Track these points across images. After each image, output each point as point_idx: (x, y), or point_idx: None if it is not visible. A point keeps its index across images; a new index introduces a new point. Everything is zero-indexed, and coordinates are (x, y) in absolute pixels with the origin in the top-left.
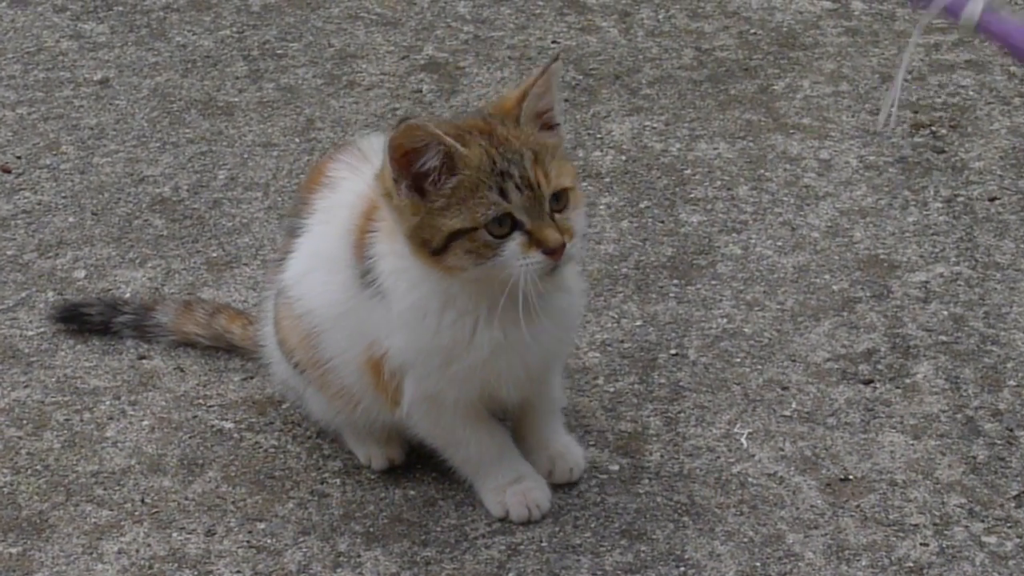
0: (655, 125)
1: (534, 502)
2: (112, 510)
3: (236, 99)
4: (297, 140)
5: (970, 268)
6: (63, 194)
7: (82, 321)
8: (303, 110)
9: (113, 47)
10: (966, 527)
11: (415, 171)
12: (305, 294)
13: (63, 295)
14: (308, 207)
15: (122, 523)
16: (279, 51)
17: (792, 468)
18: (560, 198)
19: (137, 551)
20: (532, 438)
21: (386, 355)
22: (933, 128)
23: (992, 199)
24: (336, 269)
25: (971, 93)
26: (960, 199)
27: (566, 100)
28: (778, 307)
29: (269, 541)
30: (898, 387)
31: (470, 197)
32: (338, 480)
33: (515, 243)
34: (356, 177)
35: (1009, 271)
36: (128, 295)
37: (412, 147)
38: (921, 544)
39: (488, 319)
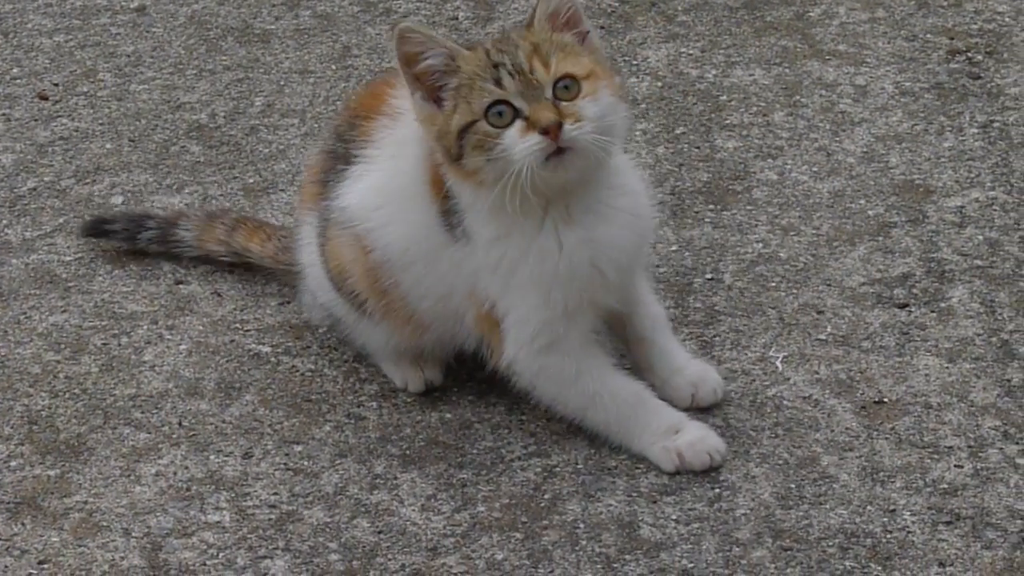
0: (691, 52)
1: (712, 443)
2: (150, 433)
3: (272, 26)
4: (333, 67)
5: (1006, 193)
6: (100, 121)
7: (107, 235)
8: (339, 37)
9: None
10: (1000, 449)
11: (417, 73)
12: (376, 228)
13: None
14: (365, 135)
15: (160, 446)
16: None
17: (827, 391)
18: (570, 88)
19: (175, 473)
20: (662, 364)
21: (492, 307)
22: (969, 54)
23: None
24: (411, 207)
25: (1007, 19)
26: (996, 125)
27: (602, 27)
28: (813, 232)
29: (306, 463)
30: (933, 311)
31: (470, 92)
32: (374, 403)
33: (514, 129)
34: None
35: None
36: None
37: (413, 52)
38: (955, 466)
39: (566, 225)
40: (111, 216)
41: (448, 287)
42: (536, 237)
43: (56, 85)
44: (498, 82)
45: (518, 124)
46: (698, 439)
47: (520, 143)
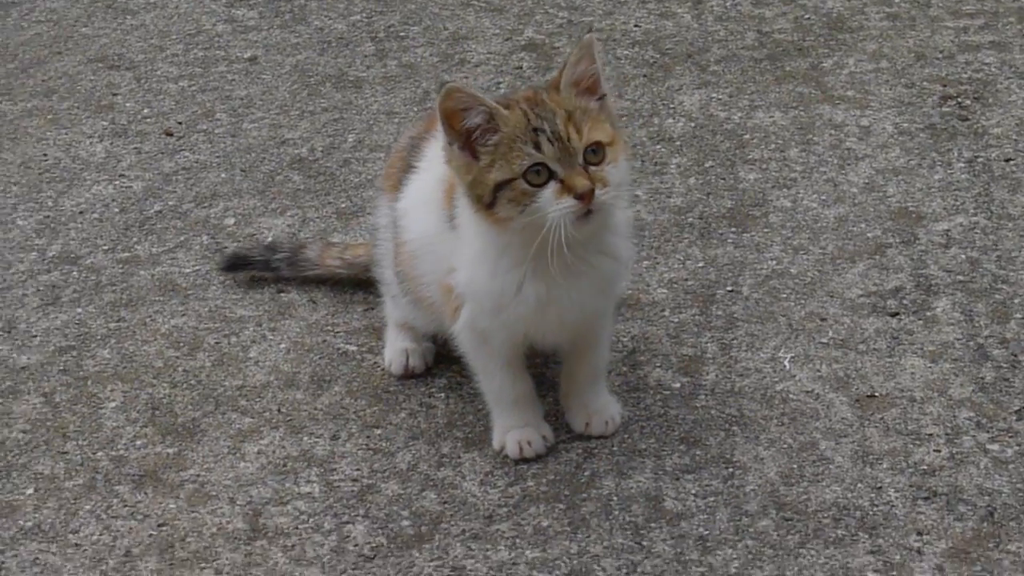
0: (720, 97)
1: (527, 440)
2: (253, 418)
3: (364, 74)
4: (415, 109)
5: (986, 219)
6: (216, 154)
7: (248, 266)
8: (421, 84)
9: (261, 30)
10: (973, 437)
11: (461, 130)
12: (408, 226)
13: (215, 239)
14: (420, 151)
15: (261, 429)
16: (401, 33)
17: (827, 387)
18: (597, 152)
19: (273, 452)
20: (574, 397)
21: (453, 280)
22: (959, 99)
23: (1007, 160)
24: (429, 210)
25: (993, 69)
26: (980, 160)
27: (644, 75)
28: (820, 251)
29: (384, 444)
30: (920, 319)
31: (509, 152)
32: (443, 395)
33: (549, 190)
34: None
35: (1020, 221)
36: (270, 239)
37: (456, 108)
38: (934, 451)
39: (534, 273)
40: (246, 250)
41: (441, 270)
42: (521, 279)
43: (180, 123)
44: (537, 146)
45: (553, 186)
46: (521, 435)
47: (556, 204)
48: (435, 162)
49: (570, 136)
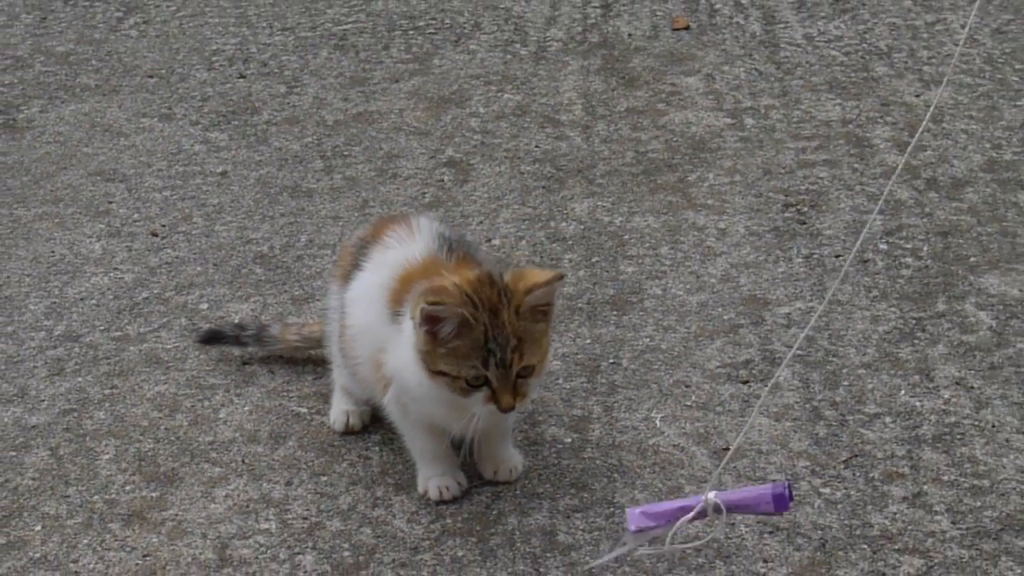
0: (605, 205)
1: (446, 486)
2: (222, 468)
3: (315, 186)
4: (356, 214)
5: (819, 304)
6: (193, 251)
7: (221, 341)
8: (360, 194)
9: (230, 149)
10: (809, 482)
11: (432, 328)
12: (352, 314)
13: (192, 320)
14: (367, 252)
15: (228, 476)
16: (345, 152)
17: (690, 441)
18: (527, 369)
19: (238, 495)
20: (485, 451)
21: (384, 362)
22: (798, 207)
23: (837, 256)
24: (370, 307)
25: (826, 182)
26: (815, 256)
27: (543, 187)
28: (685, 330)
29: (329, 489)
30: (766, 385)
31: (462, 357)
32: (377, 448)
33: (480, 394)
34: (401, 247)
35: (847, 306)
36: (238, 320)
37: (439, 316)
38: None
39: (453, 398)
40: (220, 327)
41: (373, 350)
42: (433, 389)
43: (163, 226)
44: (485, 364)
45: (485, 391)
46: (442, 482)
47: (481, 406)
48: (380, 266)
49: (512, 363)
